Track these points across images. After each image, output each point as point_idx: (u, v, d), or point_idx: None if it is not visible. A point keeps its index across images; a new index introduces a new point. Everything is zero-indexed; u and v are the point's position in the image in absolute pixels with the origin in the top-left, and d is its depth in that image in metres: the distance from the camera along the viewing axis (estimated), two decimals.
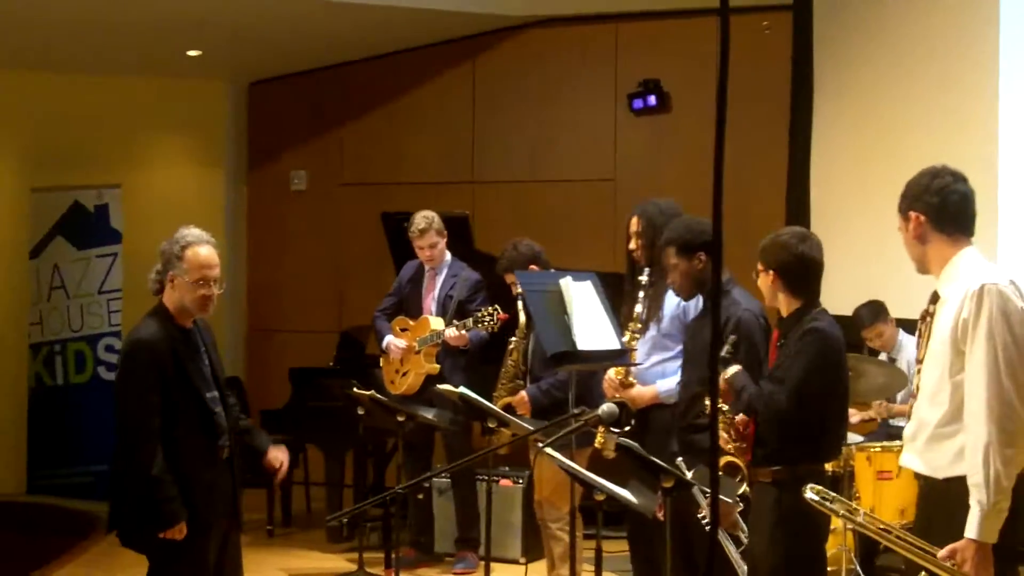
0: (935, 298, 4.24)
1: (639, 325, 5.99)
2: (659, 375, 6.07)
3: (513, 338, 7.06)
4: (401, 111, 10.85)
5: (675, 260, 5.64)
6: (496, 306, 7.44)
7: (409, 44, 10.63)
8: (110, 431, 10.22)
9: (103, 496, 10.36)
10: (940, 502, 4.09)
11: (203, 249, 5.19)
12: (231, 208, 11.42)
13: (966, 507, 3.94)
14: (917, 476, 4.26)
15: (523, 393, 6.88)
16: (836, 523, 5.64)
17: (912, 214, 4.19)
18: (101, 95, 11.19)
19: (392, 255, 9.18)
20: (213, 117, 11.47)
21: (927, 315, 4.27)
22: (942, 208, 4.18)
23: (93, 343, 10.71)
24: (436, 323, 7.82)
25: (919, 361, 4.29)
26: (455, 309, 7.85)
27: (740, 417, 4.91)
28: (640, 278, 6.05)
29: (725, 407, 4.93)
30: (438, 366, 7.82)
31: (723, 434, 4.92)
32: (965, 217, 4.22)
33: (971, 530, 3.89)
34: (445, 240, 8.03)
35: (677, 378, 5.94)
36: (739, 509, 4.93)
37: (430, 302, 8.03)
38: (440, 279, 8.06)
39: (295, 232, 11.20)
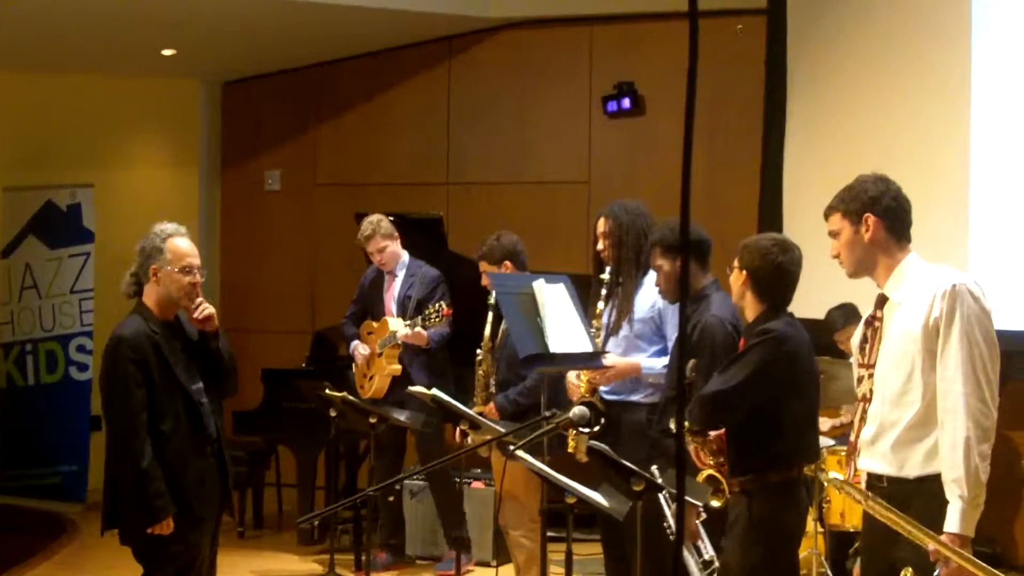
0: (882, 301, 4.30)
1: (599, 323, 6.04)
2: (632, 378, 6.10)
3: (479, 349, 7.05)
4: (376, 112, 10.84)
5: (660, 261, 5.65)
6: (442, 303, 7.48)
7: (384, 45, 10.62)
8: (81, 431, 10.35)
9: (74, 497, 10.37)
10: (914, 501, 4.08)
11: (182, 240, 5.27)
12: (205, 208, 11.38)
13: (938, 503, 3.98)
14: (876, 478, 4.24)
15: (491, 404, 6.88)
16: (808, 527, 5.65)
17: (869, 218, 4.25)
18: (74, 94, 11.16)
19: (366, 256, 9.16)
20: (187, 117, 11.43)
21: (874, 319, 4.33)
22: (897, 213, 4.28)
23: (65, 343, 10.65)
24: (395, 324, 7.83)
25: (869, 366, 4.31)
26: (414, 307, 7.86)
27: (714, 433, 4.91)
28: (602, 276, 6.12)
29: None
30: (399, 367, 7.84)
31: (700, 452, 4.92)
32: (910, 223, 4.33)
33: (953, 524, 3.94)
34: (396, 241, 8.05)
35: (663, 360, 5.99)
36: (701, 519, 4.93)
37: (390, 303, 8.06)
38: (398, 280, 8.10)
39: (269, 232, 11.17)
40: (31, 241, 10.80)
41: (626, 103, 9.85)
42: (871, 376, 4.29)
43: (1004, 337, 7.12)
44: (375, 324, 8.05)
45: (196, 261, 5.28)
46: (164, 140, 11.53)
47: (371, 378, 7.98)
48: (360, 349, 8.06)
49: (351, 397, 6.99)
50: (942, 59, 7.81)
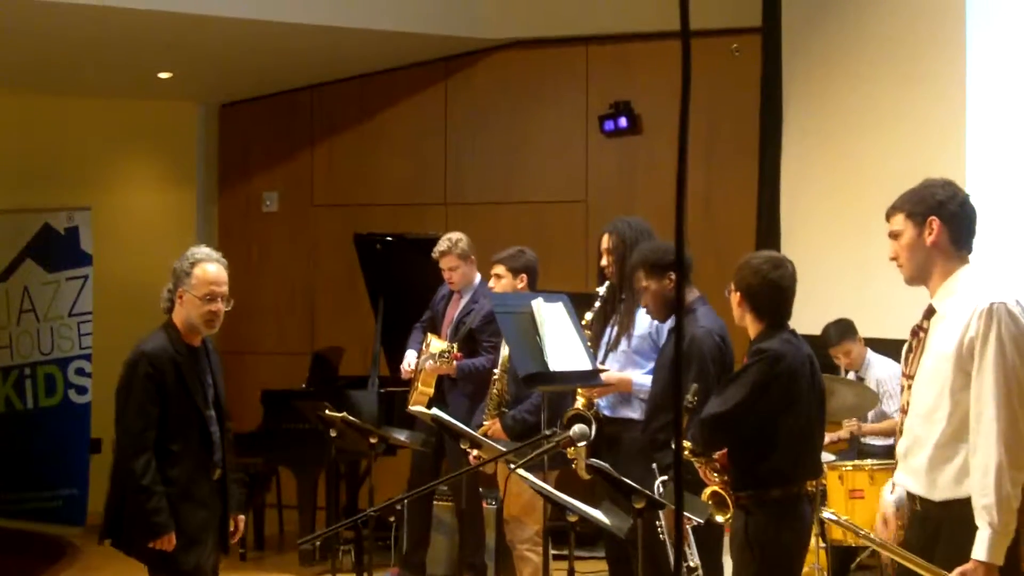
0: (930, 312, 4.20)
1: (588, 332, 6.08)
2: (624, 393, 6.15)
3: (496, 369, 7.06)
4: (373, 133, 10.86)
5: (645, 282, 5.70)
6: (453, 345, 7.44)
7: (381, 66, 10.65)
8: (81, 455, 10.33)
9: (74, 520, 10.36)
10: (941, 524, 4.07)
11: (211, 266, 5.33)
12: (202, 230, 11.40)
13: (968, 529, 3.91)
14: (911, 496, 4.21)
15: (496, 424, 6.89)
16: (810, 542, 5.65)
17: (934, 221, 4.13)
18: (72, 117, 11.17)
19: (364, 276, 9.18)
20: (184, 139, 11.46)
21: (920, 329, 4.23)
22: (962, 220, 4.17)
23: (63, 366, 10.64)
24: (437, 345, 7.74)
25: (910, 376, 4.22)
26: (464, 336, 7.76)
27: (718, 452, 4.93)
28: (598, 289, 6.18)
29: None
30: (431, 389, 7.75)
31: (705, 469, 4.92)
32: (973, 234, 4.21)
33: (981, 552, 3.87)
34: (471, 265, 7.86)
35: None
36: (692, 523, 4.93)
37: (447, 324, 7.99)
38: (462, 303, 7.93)
39: (267, 254, 11.18)
40: (29, 264, 10.80)
41: (623, 122, 9.87)
42: (910, 388, 4.22)
43: None
44: (432, 337, 7.96)
45: (220, 289, 5.33)
46: (161, 162, 11.55)
47: (416, 389, 7.91)
48: (408, 358, 7.99)
49: (351, 417, 6.99)
50: (937, 75, 7.84)
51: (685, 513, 4.73)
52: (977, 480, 3.91)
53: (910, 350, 4.28)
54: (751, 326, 4.96)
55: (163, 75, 10.21)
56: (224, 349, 11.24)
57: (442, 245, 7.82)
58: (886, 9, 8.26)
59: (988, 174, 7.51)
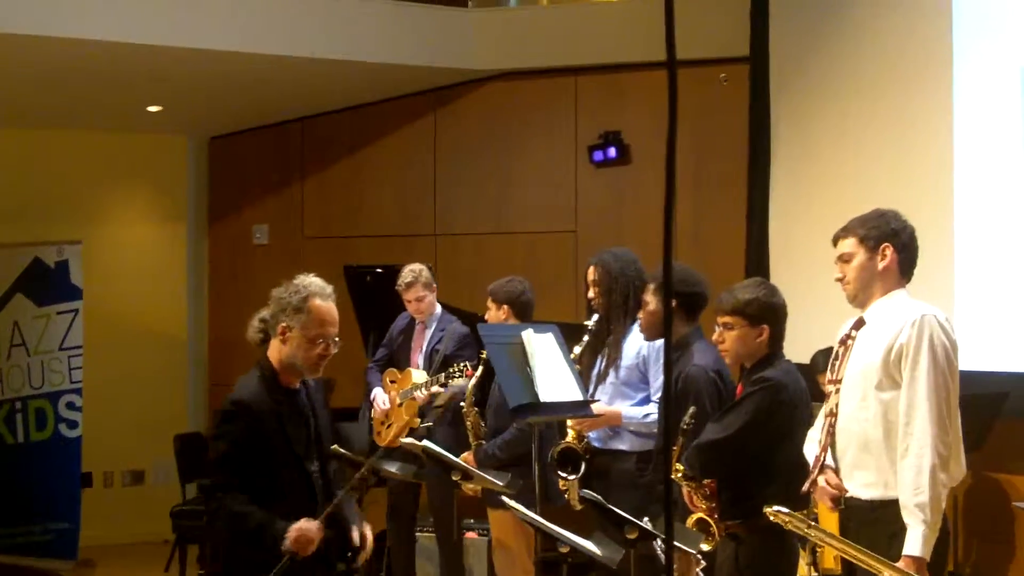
0: (860, 324, 4.45)
1: (578, 366, 6.10)
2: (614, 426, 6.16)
3: (462, 403, 7.10)
4: (363, 164, 10.88)
5: (650, 298, 5.72)
6: (467, 362, 7.44)
7: (369, 98, 10.67)
8: (72, 489, 10.29)
9: (66, 554, 10.32)
10: (871, 523, 4.25)
11: (327, 303, 4.77)
12: (193, 263, 11.41)
13: (896, 527, 4.11)
14: (848, 497, 4.39)
15: (470, 455, 6.90)
16: (802, 572, 5.65)
17: (888, 248, 4.38)
18: (61, 150, 11.18)
19: (355, 308, 9.17)
20: (174, 172, 11.49)
21: (848, 338, 4.47)
22: (912, 251, 4.44)
23: (54, 400, 10.61)
24: (418, 376, 7.79)
25: (836, 381, 4.44)
26: (439, 363, 7.81)
27: (708, 480, 4.93)
28: (587, 323, 6.21)
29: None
30: (419, 420, 7.78)
31: (694, 497, 4.93)
32: (915, 264, 4.49)
33: (915, 548, 4.06)
34: (434, 293, 8.01)
35: (645, 410, 6.03)
36: (701, 566, 4.93)
37: (418, 355, 8.02)
38: (429, 332, 8.01)
39: (257, 286, 11.10)
40: (19, 299, 10.78)
41: (612, 152, 9.88)
42: (837, 391, 4.41)
43: (990, 379, 7.20)
44: (399, 373, 7.98)
45: (333, 331, 4.76)
46: (151, 195, 11.56)
47: (389, 426, 7.94)
48: (380, 397, 8.01)
49: (341, 450, 6.96)
50: (924, 103, 7.87)
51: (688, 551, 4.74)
52: (910, 479, 4.10)
53: (836, 357, 4.52)
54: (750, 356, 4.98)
55: (153, 108, 10.23)
56: (214, 382, 11.36)
57: (407, 276, 7.90)
58: (874, 41, 8.29)
59: (976, 207, 7.54)
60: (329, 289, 4.83)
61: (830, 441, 4.40)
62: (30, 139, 11.11)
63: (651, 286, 5.79)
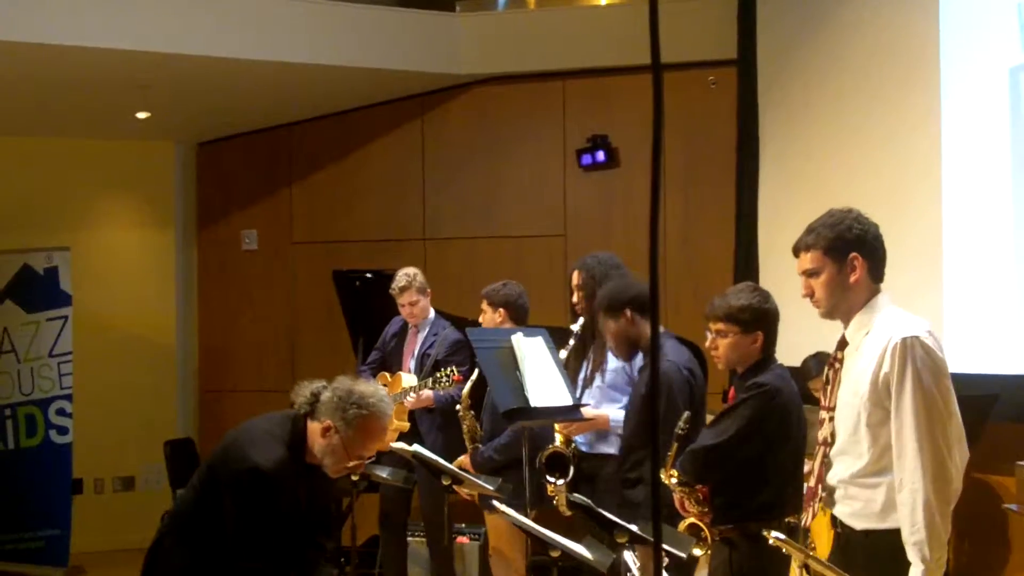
0: (843, 344, 4.18)
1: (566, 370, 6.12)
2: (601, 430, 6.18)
3: (459, 406, 7.09)
4: (351, 169, 10.87)
5: (605, 322, 5.76)
6: (454, 367, 7.44)
7: (357, 103, 10.67)
8: (63, 495, 10.27)
9: (56, 561, 10.30)
10: (860, 553, 4.08)
11: (381, 423, 4.55)
12: (182, 269, 11.40)
13: (888, 561, 3.94)
14: (834, 519, 4.23)
15: (467, 459, 6.90)
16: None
17: (856, 258, 4.09)
18: (50, 157, 11.17)
19: (344, 313, 9.18)
20: (162, 178, 11.48)
21: (836, 361, 4.20)
22: (879, 252, 4.15)
23: (44, 407, 10.59)
24: (408, 380, 7.80)
25: (830, 409, 4.20)
26: (430, 367, 7.80)
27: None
28: (572, 327, 6.22)
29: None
30: (407, 424, 7.78)
31: (685, 501, 4.93)
32: (885, 262, 4.19)
33: None
34: (428, 297, 8.02)
35: None
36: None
37: (409, 359, 8.02)
38: (421, 336, 8.03)
39: (246, 292, 11.17)
40: (8, 305, 10.76)
41: (600, 156, 9.90)
42: (832, 419, 4.20)
43: (981, 381, 7.21)
44: (390, 377, 7.99)
45: (375, 449, 4.64)
46: (140, 202, 11.55)
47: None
48: None
49: None
50: (913, 105, 7.89)
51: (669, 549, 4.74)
52: (907, 516, 3.90)
53: (827, 382, 4.26)
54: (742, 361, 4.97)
55: (141, 115, 10.21)
56: (204, 388, 11.36)
57: (401, 281, 7.90)
58: (862, 43, 8.31)
59: (964, 209, 7.56)
60: (391, 410, 4.63)
61: (824, 472, 4.23)
62: (19, 146, 11.08)
63: (600, 315, 5.84)
